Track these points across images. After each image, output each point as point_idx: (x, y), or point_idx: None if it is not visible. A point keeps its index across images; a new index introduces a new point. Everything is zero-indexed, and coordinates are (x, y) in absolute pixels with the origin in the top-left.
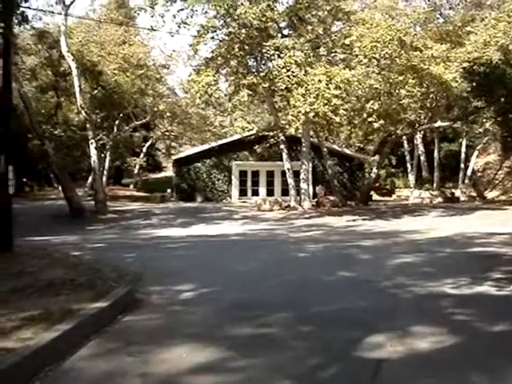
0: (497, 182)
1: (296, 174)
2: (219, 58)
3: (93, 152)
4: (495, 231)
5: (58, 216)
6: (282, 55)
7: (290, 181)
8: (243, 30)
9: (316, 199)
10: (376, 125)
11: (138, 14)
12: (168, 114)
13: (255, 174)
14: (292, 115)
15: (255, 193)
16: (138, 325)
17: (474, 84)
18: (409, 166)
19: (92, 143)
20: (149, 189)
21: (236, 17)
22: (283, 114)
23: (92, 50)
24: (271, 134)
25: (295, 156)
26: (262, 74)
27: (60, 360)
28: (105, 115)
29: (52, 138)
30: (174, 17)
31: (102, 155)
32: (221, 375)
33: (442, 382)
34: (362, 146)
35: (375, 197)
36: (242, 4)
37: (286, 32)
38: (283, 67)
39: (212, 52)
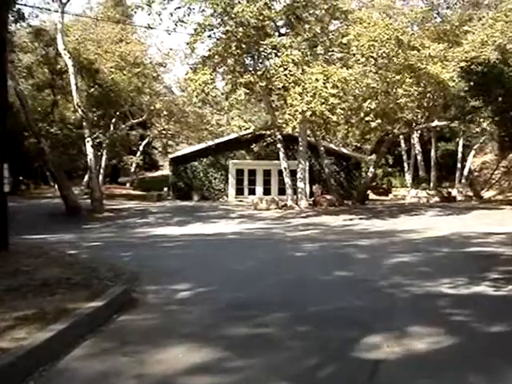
0: (493, 181)
1: (293, 173)
2: (216, 57)
3: (89, 150)
4: (492, 231)
5: (55, 214)
6: (279, 54)
7: (287, 180)
8: (240, 29)
9: (313, 198)
10: (373, 124)
11: (135, 12)
12: (165, 113)
13: (252, 172)
14: (289, 114)
15: (252, 192)
16: (133, 324)
17: (472, 83)
18: (405, 165)
19: (88, 141)
20: (145, 187)
21: (233, 15)
22: (280, 112)
23: (89, 48)
24: (268, 132)
25: (292, 155)
26: (259, 73)
27: (54, 360)
28: (101, 113)
29: (48, 136)
30: (171, 15)
31: (99, 153)
32: (217, 376)
33: (439, 383)
34: (358, 145)
35: (372, 196)
36: (239, 2)
37: (283, 31)
38: (280, 66)
39: (209, 50)
